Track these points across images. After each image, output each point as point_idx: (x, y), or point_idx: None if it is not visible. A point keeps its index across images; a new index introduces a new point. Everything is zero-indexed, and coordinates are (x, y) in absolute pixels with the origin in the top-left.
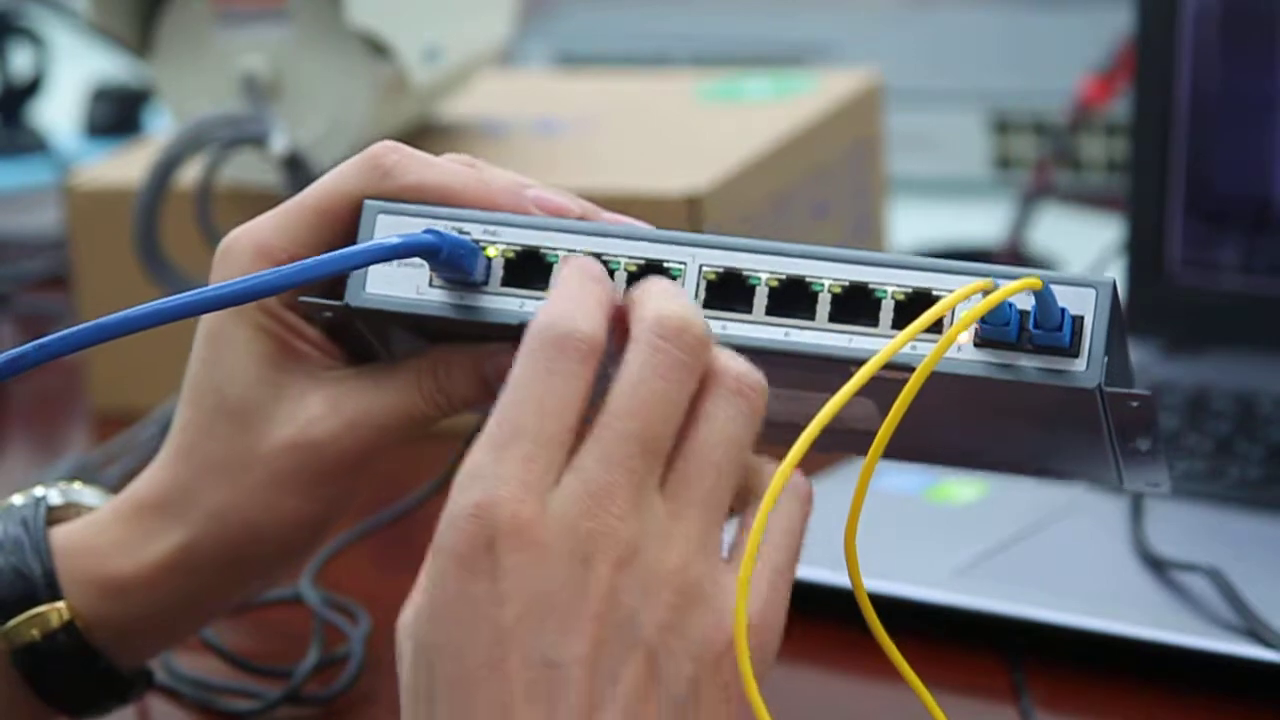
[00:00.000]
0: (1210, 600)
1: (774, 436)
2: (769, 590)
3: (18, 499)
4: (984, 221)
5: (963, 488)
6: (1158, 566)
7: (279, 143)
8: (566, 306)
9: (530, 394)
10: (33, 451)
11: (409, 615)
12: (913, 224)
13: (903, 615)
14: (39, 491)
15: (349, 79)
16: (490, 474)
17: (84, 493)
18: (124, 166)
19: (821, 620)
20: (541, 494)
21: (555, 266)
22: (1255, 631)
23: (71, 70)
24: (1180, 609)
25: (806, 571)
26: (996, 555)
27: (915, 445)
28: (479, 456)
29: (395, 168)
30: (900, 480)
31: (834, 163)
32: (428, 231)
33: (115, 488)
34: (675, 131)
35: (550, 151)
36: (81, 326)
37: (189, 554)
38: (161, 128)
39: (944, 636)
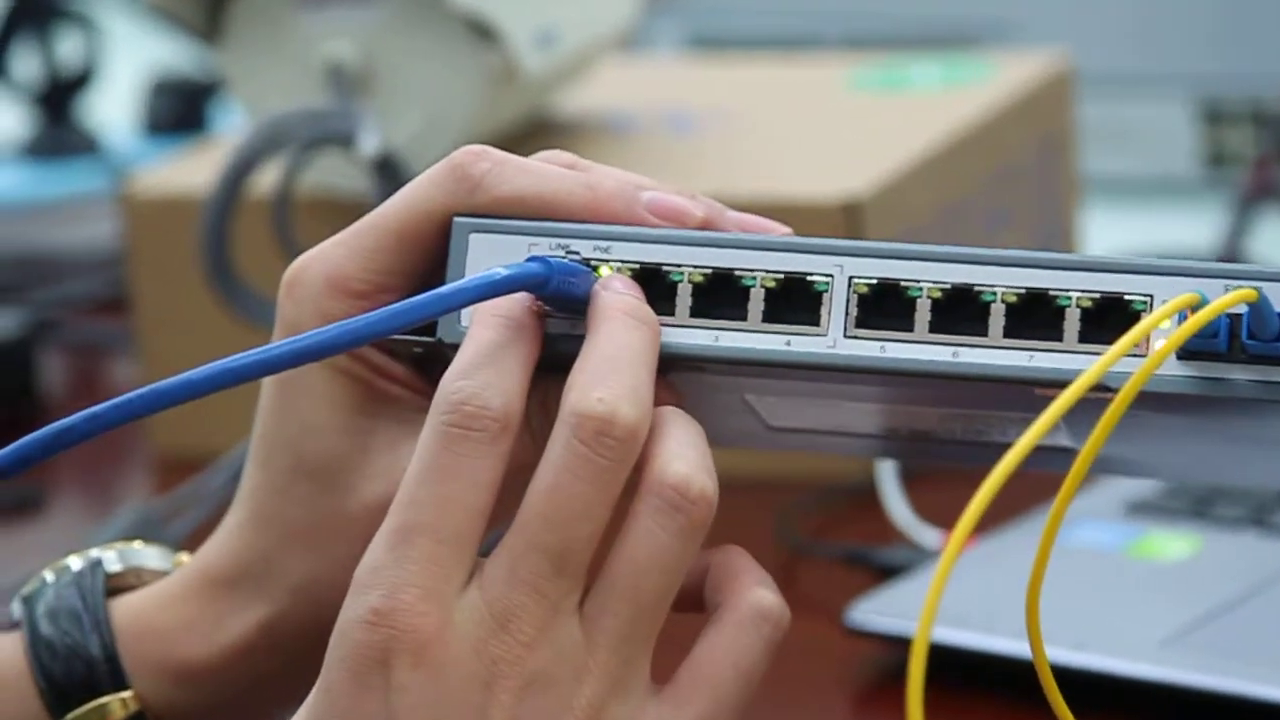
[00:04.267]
0: None
1: (935, 453)
2: None
3: (75, 562)
4: (1194, 228)
5: (1172, 542)
6: None
7: (369, 143)
8: (472, 372)
9: (431, 480)
10: (88, 501)
11: None
12: (1110, 232)
13: (1103, 691)
14: (95, 554)
15: (450, 68)
16: (389, 576)
17: (145, 553)
18: (189, 171)
19: (1008, 697)
20: (445, 601)
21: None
22: None
23: (128, 60)
24: None
25: (989, 642)
26: (1211, 622)
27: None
28: (377, 553)
29: (487, 178)
30: (1099, 535)
31: (1017, 163)
32: (533, 259)
33: (182, 544)
34: (828, 127)
35: (683, 151)
36: (136, 394)
37: (270, 633)
38: (232, 126)
39: (1149, 716)
